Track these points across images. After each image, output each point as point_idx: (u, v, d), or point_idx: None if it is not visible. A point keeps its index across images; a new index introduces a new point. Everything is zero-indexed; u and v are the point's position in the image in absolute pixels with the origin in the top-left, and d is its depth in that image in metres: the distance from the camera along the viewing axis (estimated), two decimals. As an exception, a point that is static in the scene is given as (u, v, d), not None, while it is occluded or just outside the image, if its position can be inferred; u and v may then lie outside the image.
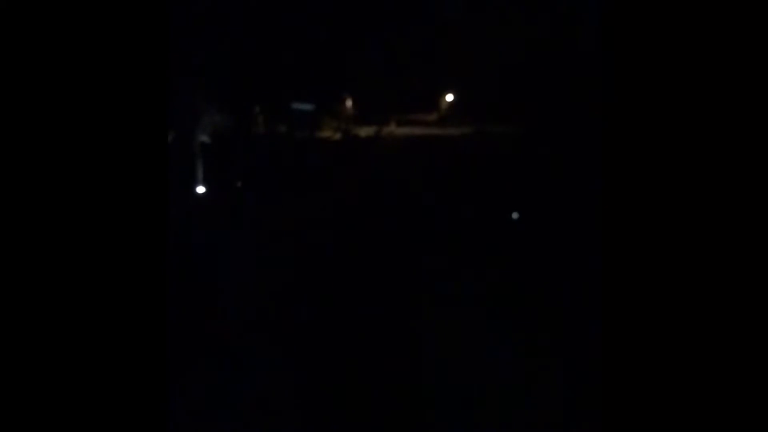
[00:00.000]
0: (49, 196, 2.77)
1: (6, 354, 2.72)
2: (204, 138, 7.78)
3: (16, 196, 2.75)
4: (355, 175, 7.81)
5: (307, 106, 7.98)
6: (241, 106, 7.93)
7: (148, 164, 2.86)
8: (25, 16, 2.76)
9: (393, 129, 8.30)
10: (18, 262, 2.73)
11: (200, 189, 7.68)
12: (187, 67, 7.09)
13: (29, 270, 2.74)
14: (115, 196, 2.82)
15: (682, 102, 2.78)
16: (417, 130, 8.35)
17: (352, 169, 7.88)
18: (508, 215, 7.05)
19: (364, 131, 8.18)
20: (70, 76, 2.79)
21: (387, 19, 7.91)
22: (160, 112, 2.91)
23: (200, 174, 7.66)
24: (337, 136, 8.07)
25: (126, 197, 2.83)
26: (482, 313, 5.40)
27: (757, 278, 2.71)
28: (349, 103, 8.17)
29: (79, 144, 2.79)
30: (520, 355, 4.86)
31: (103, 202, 2.81)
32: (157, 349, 2.85)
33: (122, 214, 2.83)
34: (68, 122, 2.79)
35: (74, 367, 2.78)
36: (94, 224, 2.80)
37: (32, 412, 2.74)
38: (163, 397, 2.88)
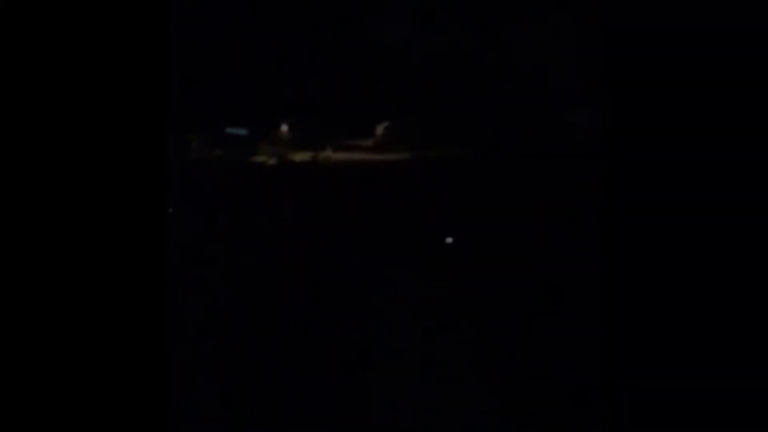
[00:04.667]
0: (52, 201, 2.80)
1: (7, 356, 2.78)
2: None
3: (21, 204, 2.82)
4: (292, 200, 7.78)
5: (241, 131, 7.93)
6: (174, 130, 7.84)
7: (146, 171, 2.94)
8: (25, 20, 2.79)
9: (330, 154, 8.29)
10: (20, 266, 2.79)
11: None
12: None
13: (33, 274, 2.80)
14: (116, 201, 2.93)
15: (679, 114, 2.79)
16: (354, 156, 8.37)
17: (288, 194, 7.85)
18: (443, 239, 7.13)
19: (300, 156, 8.16)
20: (68, 81, 2.83)
21: (323, 45, 7.95)
22: (160, 118, 3.00)
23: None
24: (273, 161, 8.03)
25: (127, 202, 2.93)
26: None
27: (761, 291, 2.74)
28: (284, 128, 8.15)
29: (77, 150, 2.85)
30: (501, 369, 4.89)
31: (103, 206, 2.93)
32: (158, 352, 2.94)
33: (124, 218, 2.93)
34: (66, 128, 2.87)
35: (78, 370, 2.85)
36: (95, 229, 2.90)
37: (33, 413, 2.79)
38: (163, 399, 2.96)
